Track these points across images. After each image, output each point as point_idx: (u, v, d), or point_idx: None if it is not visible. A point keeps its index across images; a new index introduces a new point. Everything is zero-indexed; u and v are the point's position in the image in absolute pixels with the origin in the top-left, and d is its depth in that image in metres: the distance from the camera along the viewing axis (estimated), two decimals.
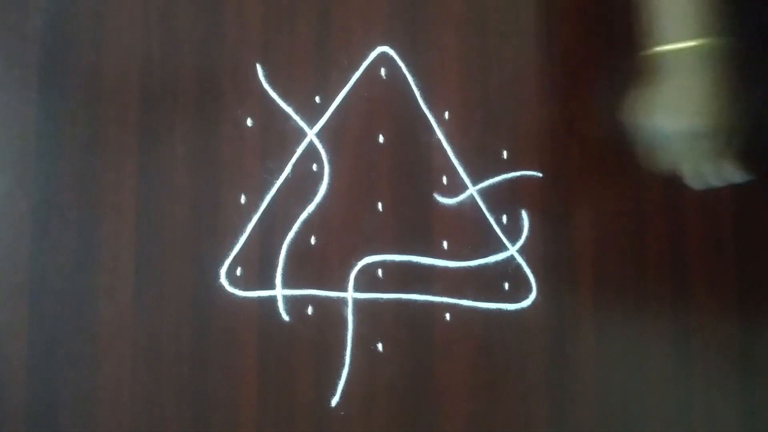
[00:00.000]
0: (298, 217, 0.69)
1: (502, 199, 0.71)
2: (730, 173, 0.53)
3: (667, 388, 0.70)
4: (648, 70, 0.54)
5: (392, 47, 0.71)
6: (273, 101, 0.70)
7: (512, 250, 0.70)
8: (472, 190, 0.71)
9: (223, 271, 0.68)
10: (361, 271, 0.69)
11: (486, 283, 0.70)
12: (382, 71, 0.71)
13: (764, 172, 0.74)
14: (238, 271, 0.68)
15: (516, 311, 0.70)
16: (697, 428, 0.70)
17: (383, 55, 0.71)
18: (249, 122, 0.69)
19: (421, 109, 0.71)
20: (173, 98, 0.69)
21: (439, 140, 0.71)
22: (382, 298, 0.69)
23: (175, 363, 0.67)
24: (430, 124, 0.71)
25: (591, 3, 0.74)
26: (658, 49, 0.52)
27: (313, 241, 0.69)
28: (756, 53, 0.57)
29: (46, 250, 0.67)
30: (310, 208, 0.69)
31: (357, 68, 0.71)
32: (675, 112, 0.51)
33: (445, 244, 0.70)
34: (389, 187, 0.70)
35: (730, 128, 0.51)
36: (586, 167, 0.72)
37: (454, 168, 0.71)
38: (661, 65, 0.53)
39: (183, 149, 0.69)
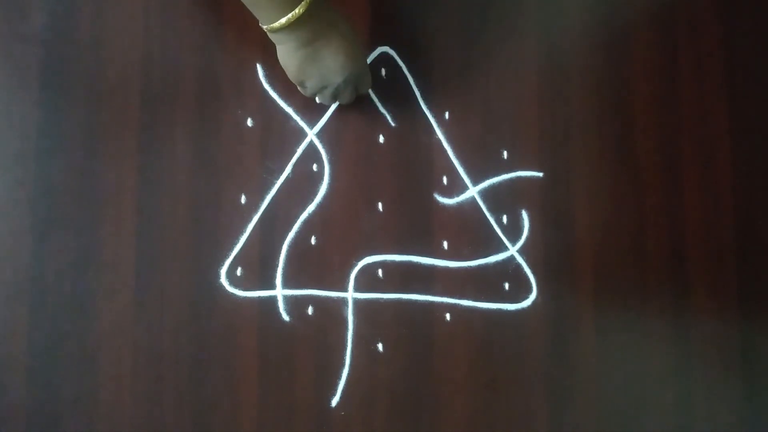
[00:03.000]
0: (298, 217, 0.69)
1: (502, 199, 0.71)
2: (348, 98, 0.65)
3: (667, 388, 0.70)
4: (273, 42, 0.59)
5: (392, 47, 0.71)
6: (273, 101, 0.70)
7: (512, 250, 0.70)
8: (473, 191, 0.71)
9: (223, 271, 0.68)
10: (361, 271, 0.69)
11: (486, 283, 0.70)
12: (383, 71, 0.71)
13: (765, 172, 0.74)
14: (238, 271, 0.68)
15: (516, 311, 0.70)
16: (697, 428, 0.70)
17: (383, 55, 0.71)
18: (249, 122, 0.69)
19: (421, 109, 0.71)
20: (173, 98, 0.69)
21: (439, 140, 0.71)
22: (382, 298, 0.69)
23: (175, 363, 0.67)
24: (430, 124, 0.71)
25: (591, 2, 0.74)
26: (266, 27, 0.56)
27: (313, 241, 0.69)
28: None
29: (46, 250, 0.67)
30: (310, 208, 0.69)
31: None
32: (310, 76, 0.61)
33: (445, 244, 0.70)
34: (389, 187, 0.70)
35: (356, 75, 0.62)
36: (586, 167, 0.72)
37: (454, 168, 0.71)
38: (277, 39, 0.58)
39: (183, 149, 0.69)
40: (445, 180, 0.71)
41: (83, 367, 0.66)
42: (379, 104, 0.71)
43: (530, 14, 0.73)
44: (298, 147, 0.70)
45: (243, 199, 0.69)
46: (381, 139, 0.70)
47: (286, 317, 0.68)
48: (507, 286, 0.70)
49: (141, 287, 0.67)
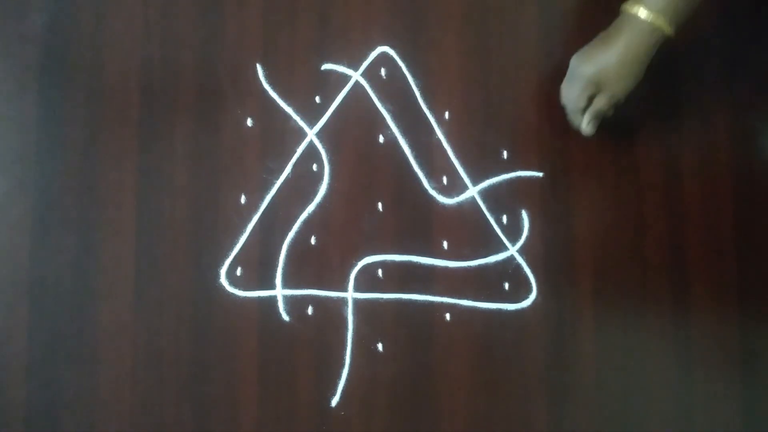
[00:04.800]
0: (298, 217, 0.69)
1: (502, 199, 0.71)
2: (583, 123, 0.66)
3: (667, 388, 0.70)
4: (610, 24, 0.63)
5: (392, 47, 0.71)
6: (273, 101, 0.70)
7: (512, 250, 0.70)
8: (473, 191, 0.71)
9: (223, 271, 0.68)
10: (361, 271, 0.69)
11: (486, 283, 0.70)
12: (382, 71, 0.71)
13: (765, 172, 0.74)
14: (238, 271, 0.68)
15: (516, 311, 0.70)
16: (697, 428, 0.70)
17: (383, 55, 0.71)
18: (249, 122, 0.69)
19: (421, 109, 0.71)
20: (173, 98, 0.69)
21: (439, 140, 0.71)
22: (382, 298, 0.69)
23: (175, 363, 0.67)
24: (430, 124, 0.71)
25: (590, 3, 0.74)
26: (626, 5, 0.61)
27: (313, 241, 0.69)
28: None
29: (46, 250, 0.67)
30: (310, 208, 0.69)
31: (357, 68, 0.71)
32: (591, 58, 0.63)
33: (445, 244, 0.70)
34: (389, 187, 0.70)
35: (617, 97, 0.63)
36: (586, 167, 0.72)
37: (454, 168, 0.71)
38: (616, 21, 0.62)
39: (183, 149, 0.69)
40: (445, 180, 0.71)
41: (83, 367, 0.66)
42: (379, 104, 0.71)
43: (530, 14, 0.73)
44: (298, 147, 0.70)
45: (243, 199, 0.69)
46: (381, 139, 0.70)
47: (286, 317, 0.68)
48: (507, 286, 0.70)
49: (141, 287, 0.67)
